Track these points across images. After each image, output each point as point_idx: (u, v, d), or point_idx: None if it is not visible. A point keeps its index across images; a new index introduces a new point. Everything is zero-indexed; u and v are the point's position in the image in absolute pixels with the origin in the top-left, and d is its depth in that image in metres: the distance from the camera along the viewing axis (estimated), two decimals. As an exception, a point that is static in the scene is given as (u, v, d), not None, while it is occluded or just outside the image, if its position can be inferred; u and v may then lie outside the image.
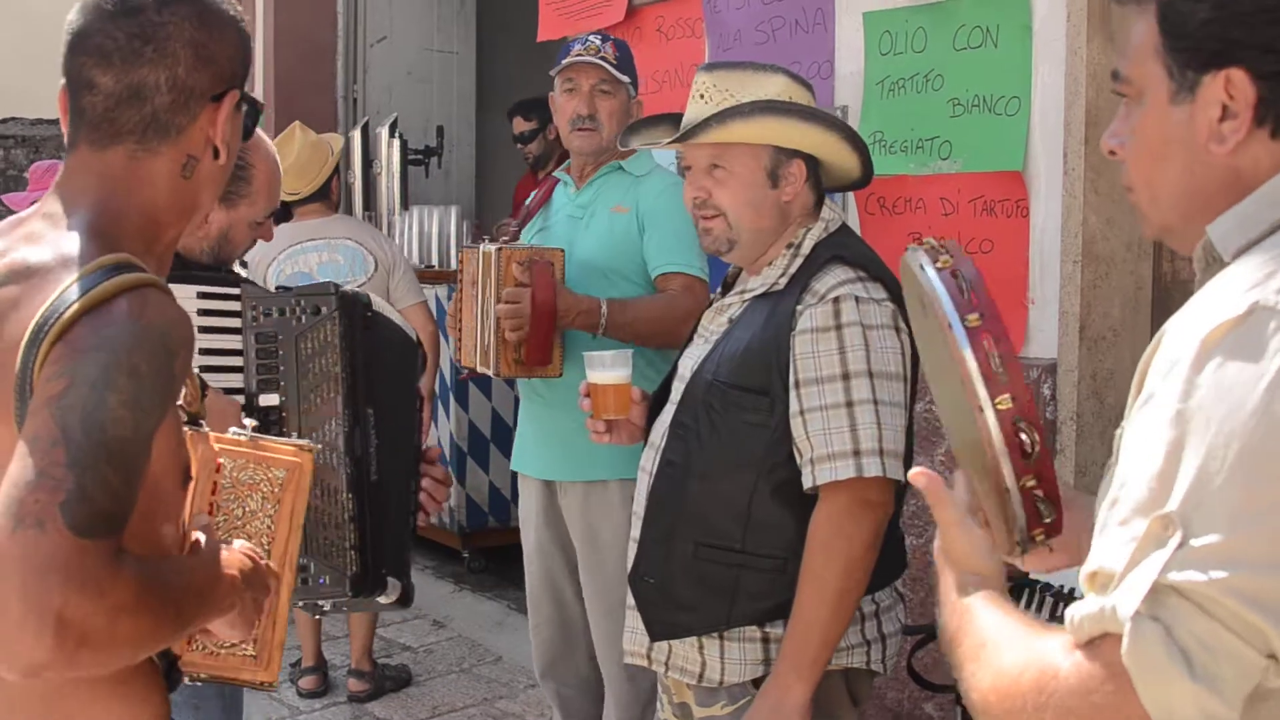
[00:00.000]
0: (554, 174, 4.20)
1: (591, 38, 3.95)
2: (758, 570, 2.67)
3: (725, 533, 2.69)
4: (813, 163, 2.78)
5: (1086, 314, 3.78)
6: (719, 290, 2.96)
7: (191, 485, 1.83)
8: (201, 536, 1.72)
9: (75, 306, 1.53)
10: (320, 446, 2.17)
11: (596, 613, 3.91)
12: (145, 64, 1.73)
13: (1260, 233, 1.37)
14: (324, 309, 2.54)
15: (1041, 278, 3.86)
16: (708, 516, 2.70)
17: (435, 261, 7.01)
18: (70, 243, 1.67)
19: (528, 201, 4.23)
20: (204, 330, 2.56)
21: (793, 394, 2.62)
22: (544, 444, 3.98)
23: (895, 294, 2.67)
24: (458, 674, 5.82)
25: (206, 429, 1.94)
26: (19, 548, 1.39)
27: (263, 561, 1.81)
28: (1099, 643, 1.27)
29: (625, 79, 3.90)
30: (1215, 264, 1.40)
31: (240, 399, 2.53)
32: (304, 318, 2.54)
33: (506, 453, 6.72)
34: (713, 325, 2.86)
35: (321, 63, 8.40)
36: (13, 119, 10.59)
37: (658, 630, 2.79)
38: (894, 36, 4.20)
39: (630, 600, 2.88)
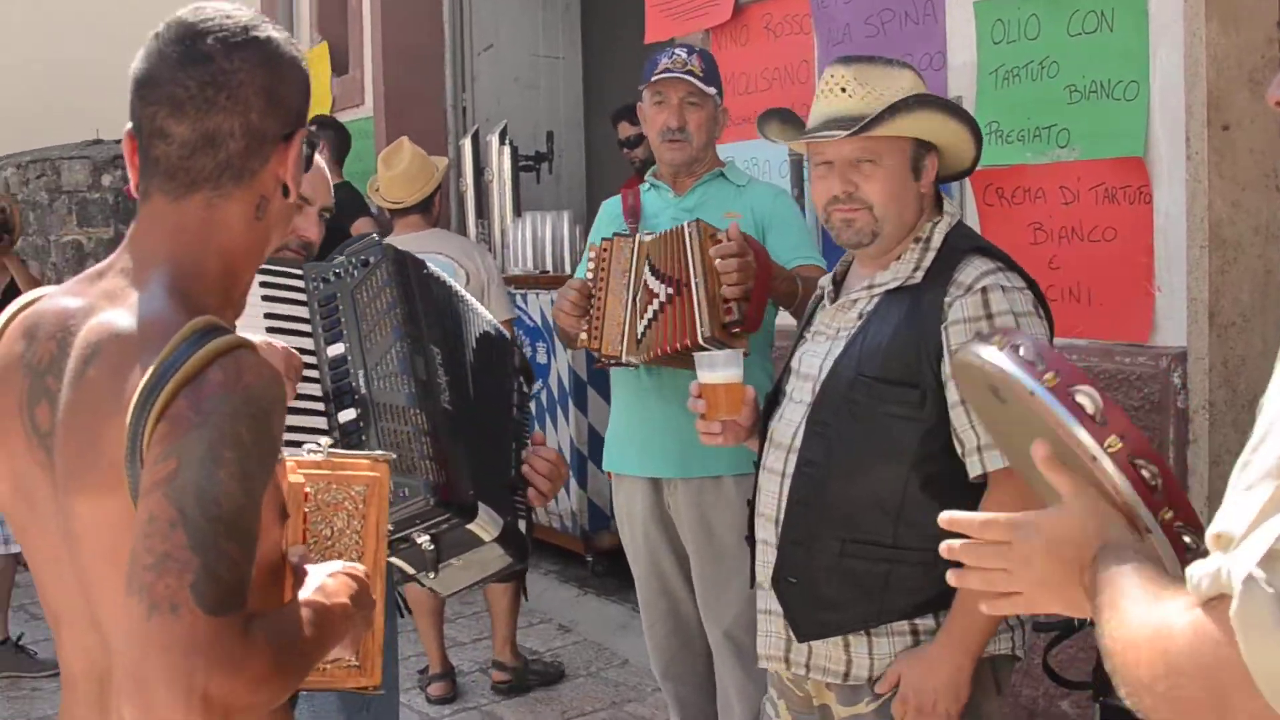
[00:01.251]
0: (643, 181, 4.25)
1: (678, 51, 4.04)
2: (909, 565, 2.68)
3: (875, 529, 2.69)
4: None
5: (1215, 300, 3.70)
6: (827, 289, 2.95)
7: (288, 522, 1.86)
8: (304, 567, 1.76)
9: (173, 382, 1.55)
10: (394, 456, 2.17)
11: (711, 610, 3.93)
12: (219, 112, 1.74)
13: None
14: (372, 259, 2.62)
15: (1168, 265, 3.79)
16: (855, 514, 2.71)
17: (549, 267, 7.03)
18: (155, 303, 1.69)
19: (618, 208, 4.26)
20: (268, 300, 2.62)
21: (951, 384, 2.62)
22: (651, 442, 4.00)
23: (1029, 282, 2.71)
24: (585, 678, 5.84)
25: (285, 456, 1.96)
26: (157, 633, 1.44)
27: (362, 573, 1.84)
28: (1214, 604, 1.24)
29: (711, 90, 3.98)
30: None
31: (312, 358, 2.56)
32: (356, 272, 2.62)
33: (627, 455, 6.75)
34: (835, 322, 2.85)
35: (430, 73, 8.48)
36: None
37: (805, 631, 2.79)
38: (1006, 24, 4.15)
39: (764, 604, 2.88)
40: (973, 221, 3.98)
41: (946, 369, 2.63)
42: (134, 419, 1.56)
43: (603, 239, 3.94)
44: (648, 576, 4.11)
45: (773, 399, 2.96)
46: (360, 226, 7.11)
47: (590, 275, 3.87)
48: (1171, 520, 1.49)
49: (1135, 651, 1.33)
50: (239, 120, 1.75)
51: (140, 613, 1.44)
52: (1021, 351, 1.57)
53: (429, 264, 2.79)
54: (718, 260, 3.55)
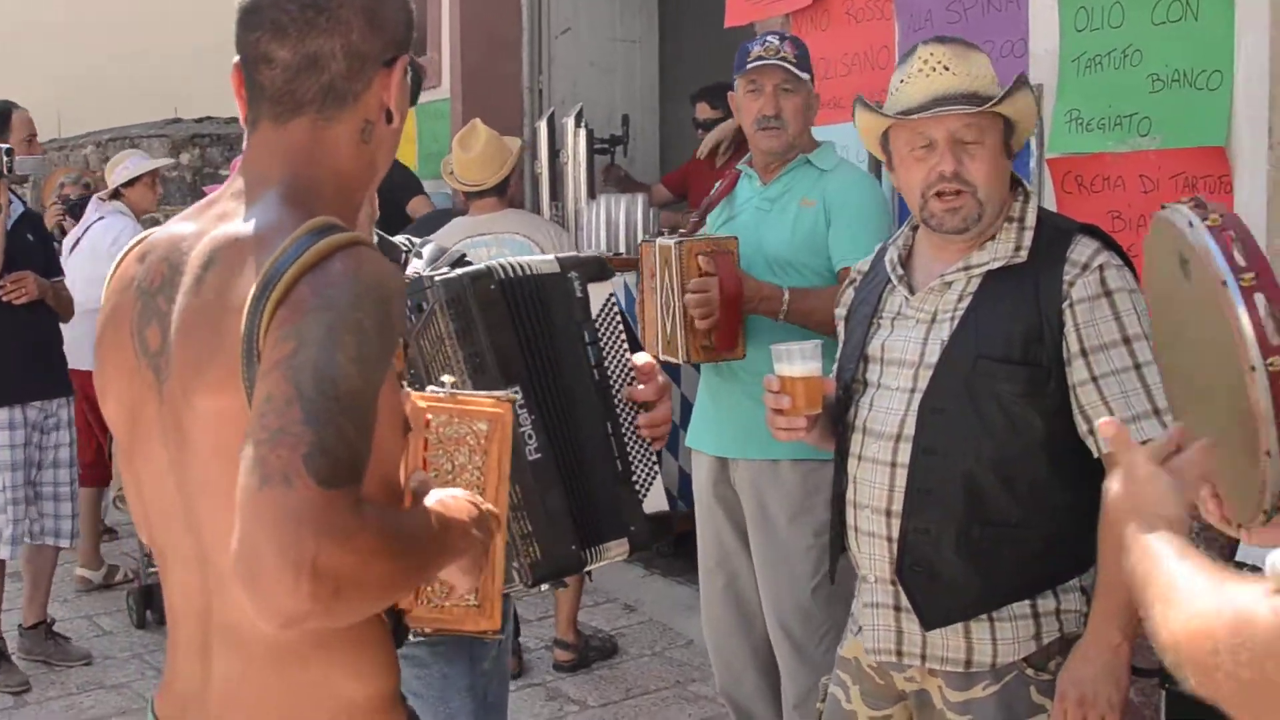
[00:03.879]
0: (737, 167, 4.25)
1: (770, 38, 4.05)
2: (1031, 543, 2.70)
3: (1001, 510, 2.70)
4: None
5: (1295, 291, 3.68)
6: (893, 274, 2.91)
7: (409, 437, 1.86)
8: (422, 489, 1.77)
9: (294, 268, 1.58)
10: (518, 395, 2.17)
11: (769, 590, 3.97)
12: (320, 33, 1.77)
13: None
14: (425, 304, 2.49)
15: (1248, 255, 3.76)
16: (982, 497, 2.71)
17: (623, 249, 7.05)
18: (272, 212, 1.72)
19: (711, 193, 4.28)
20: None
21: (1078, 363, 2.66)
22: (719, 420, 4.11)
23: (1128, 260, 2.75)
24: (650, 657, 5.87)
25: (407, 387, 1.98)
26: (269, 504, 1.44)
27: (484, 506, 1.84)
28: None
29: (805, 76, 4.00)
30: None
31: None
32: (413, 317, 2.49)
33: (695, 438, 6.76)
34: (928, 305, 2.81)
35: (507, 56, 8.51)
36: (208, 119, 10.91)
37: (931, 619, 2.76)
38: (1090, 12, 4.13)
39: (870, 598, 2.84)
40: (1049, 208, 3.97)
41: (1070, 347, 2.66)
42: (252, 307, 1.58)
43: (642, 240, 4.08)
44: (710, 550, 4.20)
45: (848, 389, 2.93)
46: (416, 207, 7.17)
47: (640, 275, 4.02)
48: None
49: (1210, 639, 1.34)
50: (340, 42, 1.77)
51: (253, 484, 1.45)
52: (1232, 242, 1.53)
53: (487, 262, 2.60)
54: (685, 297, 3.73)
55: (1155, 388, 2.62)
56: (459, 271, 2.54)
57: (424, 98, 8.74)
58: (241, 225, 1.72)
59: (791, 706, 3.97)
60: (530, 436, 2.47)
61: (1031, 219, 2.78)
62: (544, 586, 2.48)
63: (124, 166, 7.57)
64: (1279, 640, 1.28)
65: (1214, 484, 1.65)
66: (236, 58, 1.84)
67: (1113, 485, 1.70)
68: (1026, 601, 2.71)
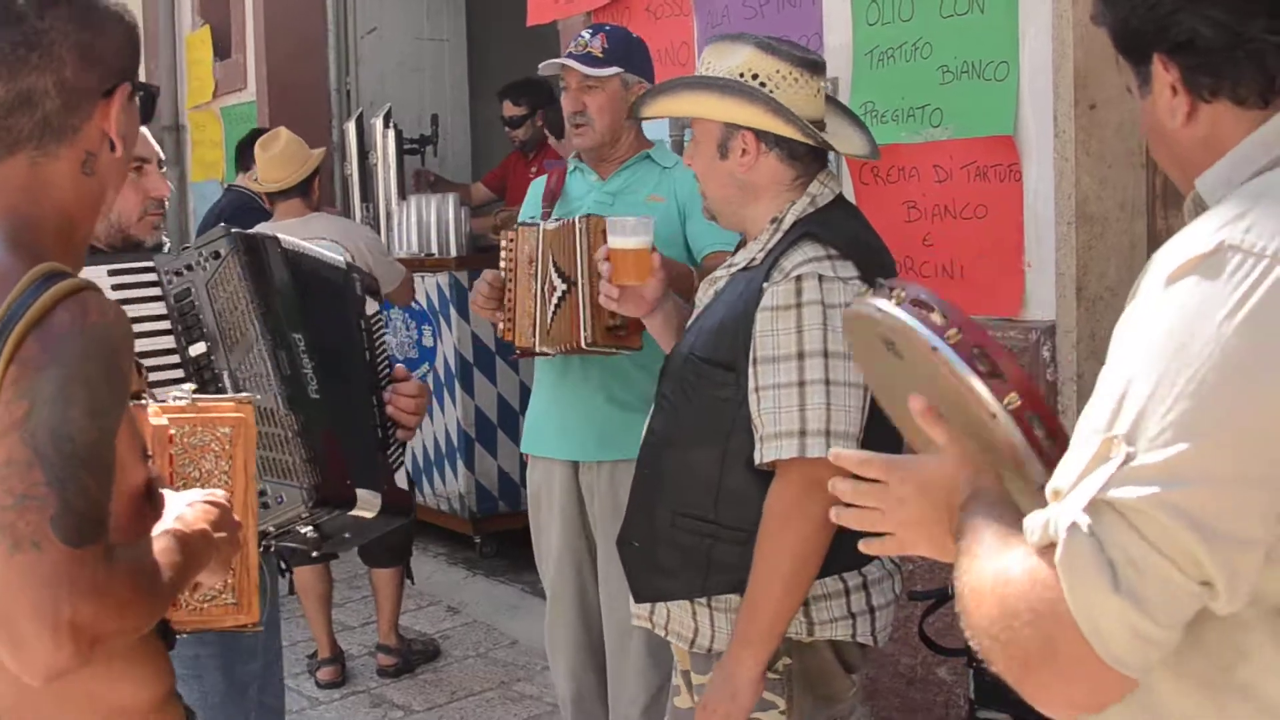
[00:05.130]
0: (568, 159, 4.19)
1: (582, 34, 3.96)
2: (730, 542, 2.70)
3: (698, 504, 2.72)
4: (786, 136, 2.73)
5: (1083, 275, 3.80)
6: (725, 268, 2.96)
7: (150, 462, 1.88)
8: (162, 494, 1.82)
9: (21, 325, 1.57)
10: (258, 396, 2.22)
11: (613, 594, 3.93)
12: (32, 71, 1.73)
13: (1240, 182, 1.46)
14: (222, 251, 2.59)
15: (1037, 241, 3.88)
16: (682, 487, 2.75)
17: (435, 249, 7.02)
18: None
19: (541, 189, 4.19)
20: (125, 302, 2.56)
21: (750, 370, 2.63)
22: (569, 423, 3.98)
23: (866, 272, 2.64)
24: (474, 658, 5.85)
25: (147, 401, 2.02)
26: (20, 570, 1.49)
27: (222, 498, 1.89)
28: (1046, 552, 1.32)
29: (607, 71, 3.87)
30: (1201, 210, 1.48)
31: (175, 358, 2.56)
32: (207, 264, 2.58)
33: (514, 437, 6.76)
34: (704, 297, 2.87)
35: (313, 57, 8.41)
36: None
37: (641, 593, 2.86)
38: (880, 6, 4.22)
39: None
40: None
41: (753, 352, 2.62)
42: None
43: (509, 229, 3.90)
44: (560, 559, 4.07)
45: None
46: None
47: (502, 265, 3.83)
48: None
49: (978, 597, 1.39)
50: (52, 78, 1.74)
51: (2, 552, 1.49)
52: (921, 308, 1.59)
53: (282, 240, 2.77)
54: (599, 265, 3.46)
55: (813, 409, 2.56)
56: (254, 230, 2.71)
57: (230, 100, 8.67)
58: None
59: (641, 710, 3.92)
60: (311, 378, 2.59)
61: (789, 222, 2.72)
62: (320, 523, 2.51)
63: None
64: (1025, 600, 1.33)
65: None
66: None
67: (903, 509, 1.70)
68: (739, 598, 2.69)
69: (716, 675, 2.67)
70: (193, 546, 1.75)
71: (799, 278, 2.60)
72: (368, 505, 2.55)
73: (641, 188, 3.94)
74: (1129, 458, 1.27)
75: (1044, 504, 1.56)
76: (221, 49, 8.87)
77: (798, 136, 2.70)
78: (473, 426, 6.77)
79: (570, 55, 3.90)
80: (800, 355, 2.58)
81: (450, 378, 6.76)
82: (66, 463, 1.52)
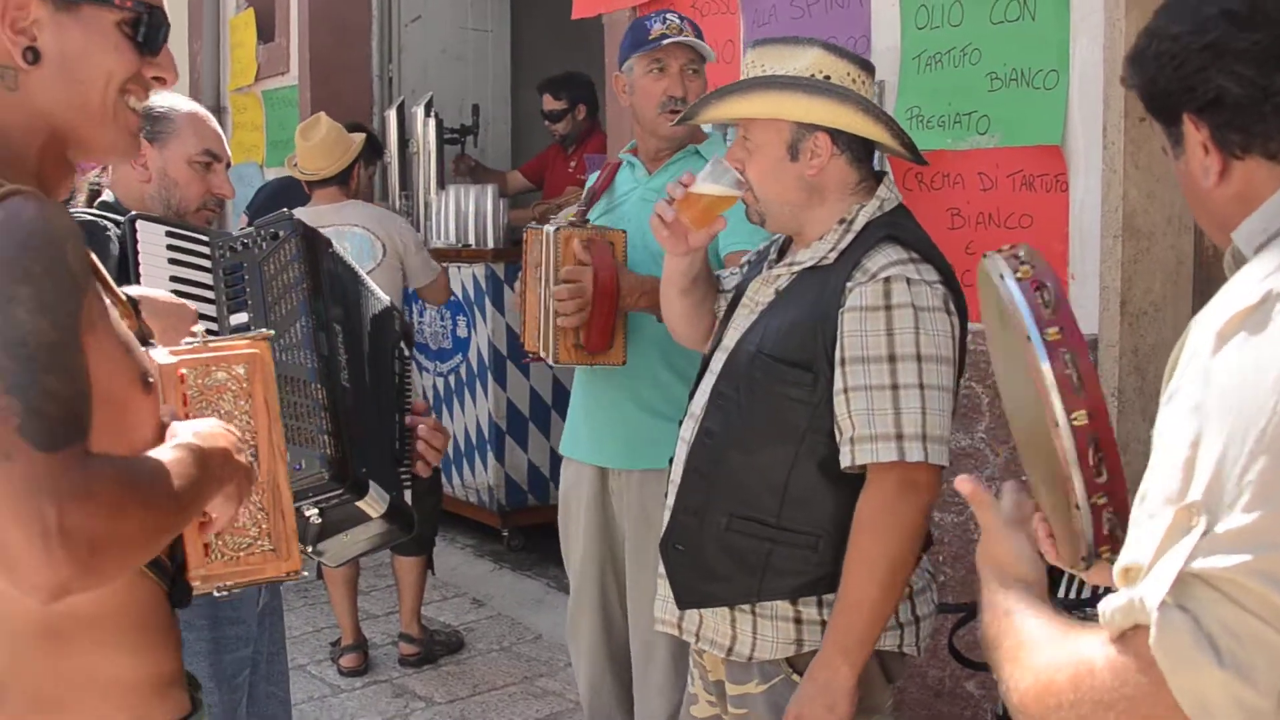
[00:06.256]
0: (620, 155, 4.12)
1: (670, 16, 3.81)
2: (791, 545, 2.67)
3: (761, 506, 2.68)
4: (855, 138, 2.71)
5: (1127, 289, 3.75)
6: (771, 258, 2.93)
7: (165, 394, 1.80)
8: (173, 425, 1.71)
9: None
10: (273, 333, 2.14)
11: (639, 602, 3.89)
12: None
13: (1276, 230, 1.44)
14: (281, 233, 2.59)
15: (1082, 253, 3.83)
16: (744, 489, 2.70)
17: (472, 240, 7.00)
18: None
19: (590, 184, 4.14)
20: (174, 263, 2.64)
21: (837, 371, 2.60)
22: (598, 429, 3.93)
23: (947, 276, 2.65)
24: (498, 652, 5.84)
25: (156, 344, 1.91)
26: None
27: (238, 433, 1.80)
28: (1130, 635, 1.28)
29: (712, 57, 3.83)
30: (1242, 264, 1.45)
31: (214, 325, 2.53)
32: (265, 244, 2.58)
33: (545, 431, 6.76)
34: (759, 296, 2.82)
35: (356, 44, 8.41)
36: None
37: (685, 598, 2.80)
38: (930, 10, 4.17)
39: (661, 569, 2.88)
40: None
41: (839, 353, 2.60)
42: None
43: (527, 228, 3.84)
44: (584, 563, 4.04)
45: (700, 374, 2.94)
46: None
47: (522, 266, 3.80)
48: (1103, 506, 1.53)
49: (1054, 695, 1.35)
50: None
51: None
52: (1041, 293, 1.57)
53: (334, 242, 2.79)
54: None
55: (909, 413, 2.54)
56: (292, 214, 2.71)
57: (272, 84, 8.67)
58: None
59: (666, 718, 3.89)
60: (343, 367, 2.57)
61: (860, 223, 2.70)
62: (324, 504, 2.45)
63: None
64: (1115, 689, 1.28)
65: (1046, 524, 1.68)
66: None
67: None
68: (789, 604, 2.69)
69: (809, 687, 2.62)
70: (211, 462, 1.65)
71: (887, 279, 2.58)
72: (375, 502, 2.51)
73: None
74: (1210, 525, 1.21)
75: (1073, 527, 1.54)
76: (265, 32, 8.88)
77: (885, 138, 2.70)
78: (504, 419, 6.76)
79: (667, 37, 3.74)
80: (892, 358, 2.56)
81: (483, 369, 6.75)
82: (24, 366, 1.43)
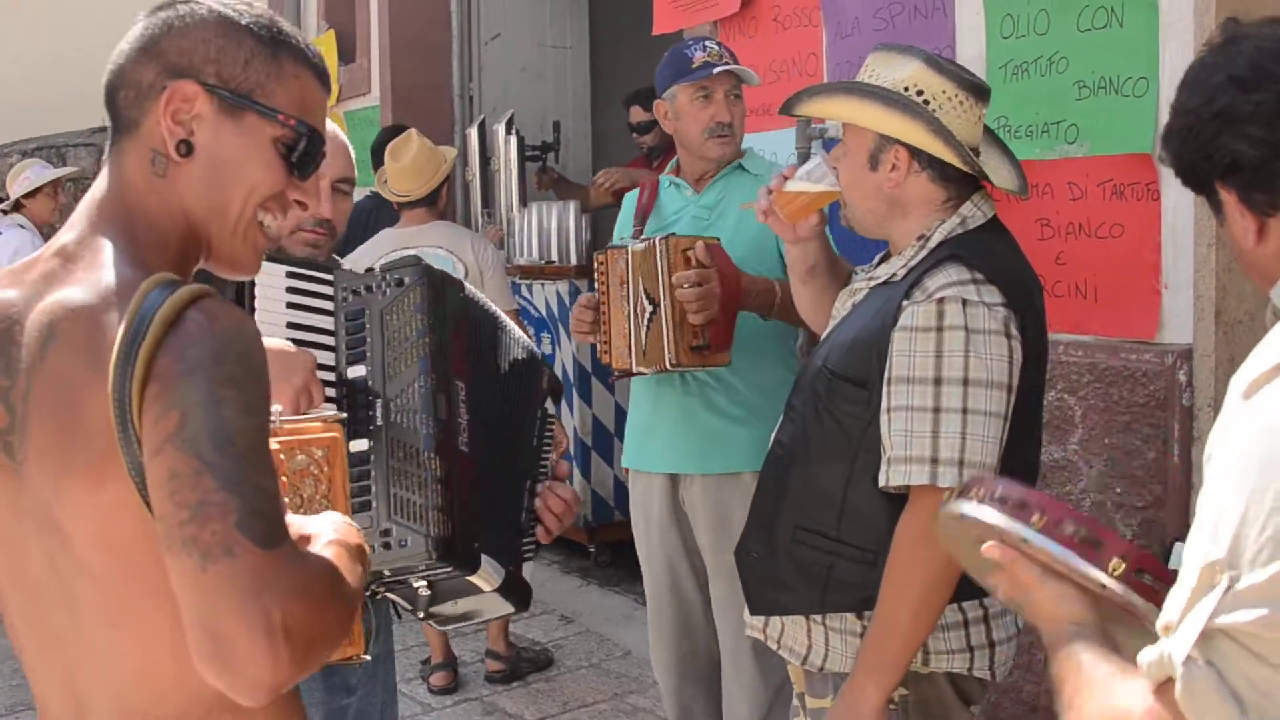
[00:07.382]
0: (660, 176, 4.20)
1: (709, 43, 3.99)
2: (851, 560, 2.65)
3: (821, 519, 2.68)
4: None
5: (1222, 298, 3.69)
6: (868, 266, 2.93)
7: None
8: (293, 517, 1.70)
9: (147, 342, 1.49)
10: (345, 416, 2.10)
11: (727, 608, 3.90)
12: (118, 62, 1.74)
13: None
14: (406, 280, 2.47)
15: (1175, 262, 3.77)
16: (806, 501, 2.70)
17: (555, 257, 7.02)
18: (100, 272, 1.63)
19: (633, 206, 4.22)
20: (292, 307, 2.55)
21: (884, 389, 2.56)
22: (669, 436, 3.97)
23: (1013, 298, 2.58)
24: (587, 669, 5.84)
25: None
26: (219, 582, 1.39)
27: (350, 523, 1.77)
28: (1164, 687, 1.32)
29: (755, 82, 4.01)
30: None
31: (331, 374, 2.47)
32: (388, 290, 2.47)
33: (631, 447, 6.74)
34: (841, 307, 2.83)
35: (437, 63, 8.46)
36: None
37: (756, 605, 2.83)
38: (1016, 19, 4.13)
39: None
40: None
41: (888, 371, 2.56)
42: (116, 382, 1.49)
43: (599, 252, 3.90)
44: (660, 575, 4.08)
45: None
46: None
47: (597, 287, 3.86)
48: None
49: None
50: (125, 68, 1.73)
51: (195, 566, 1.39)
52: (1003, 499, 1.63)
53: (467, 288, 2.66)
54: (678, 289, 3.57)
55: (948, 437, 2.48)
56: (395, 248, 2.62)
57: (354, 104, 8.74)
58: (74, 292, 1.61)
59: None
60: (463, 430, 2.45)
61: (936, 240, 2.66)
62: (433, 579, 2.40)
63: (24, 177, 7.43)
64: None
65: None
66: None
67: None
68: (855, 618, 2.67)
69: (839, 706, 2.60)
70: (358, 557, 1.64)
71: (941, 300, 2.52)
72: (489, 576, 2.44)
73: (735, 197, 3.94)
74: (1233, 581, 1.24)
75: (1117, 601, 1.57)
76: (346, 53, 8.95)
77: (953, 160, 2.63)
78: (589, 435, 6.77)
79: (711, 66, 3.92)
80: (938, 380, 2.50)
81: (568, 386, 6.76)
82: (236, 465, 1.43)
